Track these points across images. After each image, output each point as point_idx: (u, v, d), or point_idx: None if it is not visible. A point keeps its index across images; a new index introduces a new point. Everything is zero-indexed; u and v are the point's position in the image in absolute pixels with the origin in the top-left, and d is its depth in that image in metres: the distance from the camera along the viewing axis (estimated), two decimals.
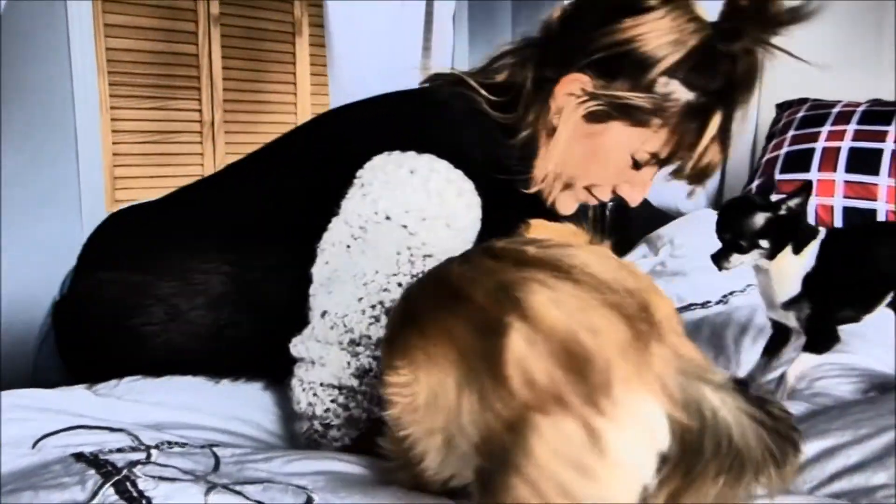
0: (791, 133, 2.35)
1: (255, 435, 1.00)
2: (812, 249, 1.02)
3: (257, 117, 2.71)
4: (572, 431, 0.50)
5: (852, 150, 2.15)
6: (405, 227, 0.89)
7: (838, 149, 2.18)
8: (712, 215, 2.40)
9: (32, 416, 0.86)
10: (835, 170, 2.15)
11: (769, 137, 2.49)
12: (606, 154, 1.03)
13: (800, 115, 2.39)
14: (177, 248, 1.06)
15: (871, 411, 0.80)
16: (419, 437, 0.61)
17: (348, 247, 0.91)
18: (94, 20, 2.31)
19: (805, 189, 1.01)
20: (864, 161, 2.12)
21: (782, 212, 1.01)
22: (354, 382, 0.86)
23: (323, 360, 0.87)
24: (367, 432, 0.86)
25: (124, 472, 0.69)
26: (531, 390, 0.52)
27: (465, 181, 0.94)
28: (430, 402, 0.59)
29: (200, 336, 1.04)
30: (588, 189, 1.08)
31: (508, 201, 0.99)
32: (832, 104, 2.36)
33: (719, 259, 1.05)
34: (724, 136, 1.04)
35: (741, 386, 0.54)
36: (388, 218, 0.89)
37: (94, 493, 0.65)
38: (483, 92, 1.04)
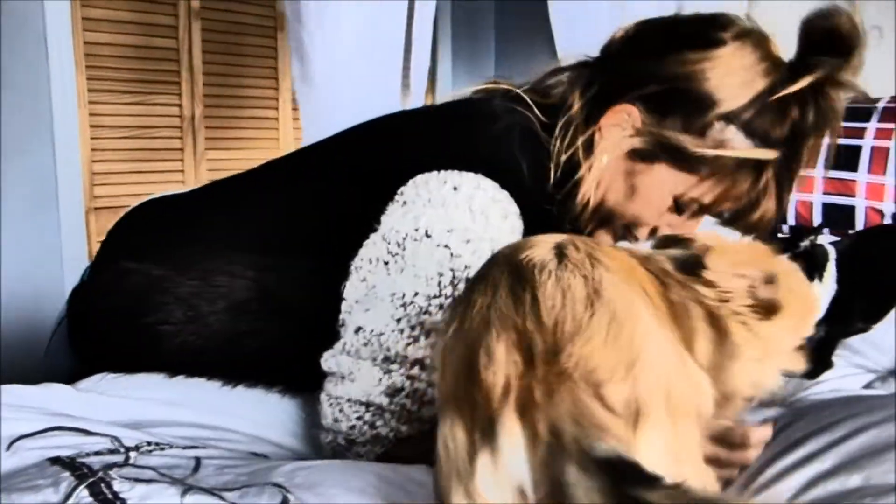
0: None
1: (241, 429, 0.98)
2: (831, 272, 0.98)
3: (238, 112, 2.69)
4: None
5: (831, 147, 2.16)
6: (447, 247, 0.85)
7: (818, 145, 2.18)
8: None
9: (12, 415, 0.84)
10: (814, 166, 2.16)
11: None
12: (647, 194, 0.97)
13: None
14: (203, 246, 1.03)
15: (844, 412, 0.81)
16: None
17: (386, 264, 0.87)
18: (72, 14, 2.29)
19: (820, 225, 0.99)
20: (842, 158, 2.13)
21: (801, 249, 0.97)
22: (384, 401, 0.83)
23: (353, 376, 0.84)
24: (392, 449, 0.84)
25: (99, 473, 0.68)
26: None
27: (510, 203, 0.90)
28: None
29: (218, 341, 1.00)
30: (627, 227, 1.02)
31: (547, 230, 0.98)
32: None
33: None
34: (781, 189, 0.98)
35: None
36: (428, 236, 0.85)
37: (68, 495, 0.64)
38: (537, 111, 0.99)
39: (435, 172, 0.90)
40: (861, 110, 2.21)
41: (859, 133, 2.15)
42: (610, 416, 0.51)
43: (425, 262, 0.85)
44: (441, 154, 0.92)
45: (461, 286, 0.84)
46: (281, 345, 0.98)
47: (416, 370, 0.83)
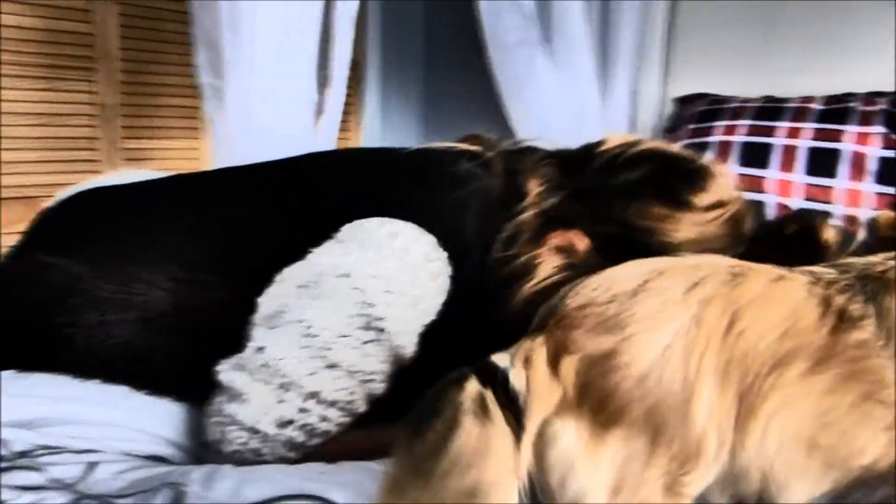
0: (689, 127, 2.42)
1: (145, 428, 0.95)
2: None
3: (157, 100, 2.61)
4: None
5: (745, 145, 2.24)
6: (364, 292, 0.83)
7: (732, 143, 2.26)
8: None
9: None
10: (728, 163, 2.23)
11: (669, 130, 2.57)
12: None
13: (698, 109, 2.47)
14: (127, 249, 0.97)
15: None
16: None
17: (303, 288, 0.84)
18: None
19: None
20: (755, 155, 2.21)
21: None
22: (272, 430, 0.81)
23: (245, 397, 0.81)
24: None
25: None
26: None
27: (445, 265, 0.88)
28: None
29: (128, 352, 0.95)
30: None
31: (477, 304, 0.93)
32: (728, 100, 2.44)
33: None
34: None
35: None
36: (347, 276, 0.83)
37: None
38: (500, 186, 0.96)
39: (375, 218, 0.89)
40: (773, 109, 2.29)
41: (771, 131, 2.22)
42: None
43: (341, 300, 0.83)
44: (392, 206, 0.90)
45: (371, 333, 0.82)
46: (193, 363, 0.93)
47: (310, 403, 0.81)
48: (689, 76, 2.71)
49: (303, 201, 0.97)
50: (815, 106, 2.24)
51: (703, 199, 0.93)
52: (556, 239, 0.95)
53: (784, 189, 2.14)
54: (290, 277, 0.86)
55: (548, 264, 0.95)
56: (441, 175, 0.95)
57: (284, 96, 2.00)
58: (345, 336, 0.82)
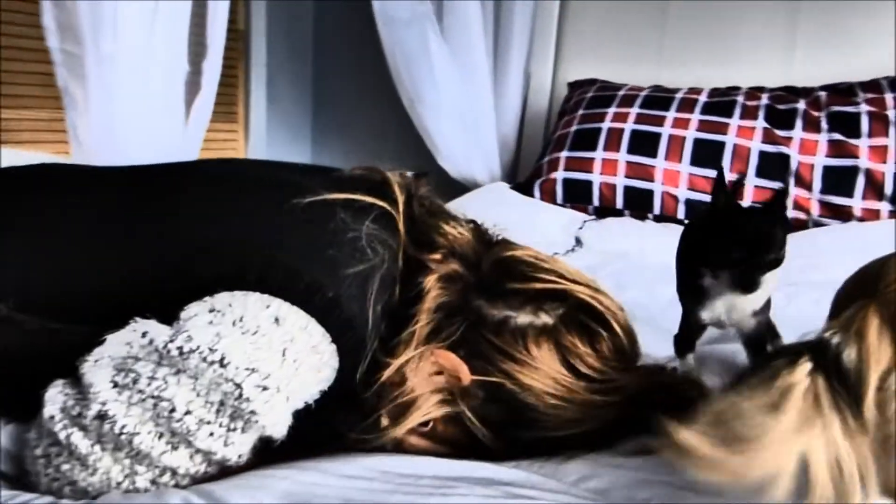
0: (580, 112, 2.42)
1: None
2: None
3: (13, 66, 2.37)
4: None
5: (634, 132, 2.25)
6: (239, 387, 0.71)
7: (622, 130, 2.27)
8: (505, 188, 2.47)
9: None
10: (618, 150, 2.25)
11: (561, 114, 2.56)
12: None
13: (589, 95, 2.47)
14: None
15: None
16: None
17: (159, 353, 0.72)
18: None
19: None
20: (644, 143, 2.23)
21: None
22: (117, 499, 0.71)
23: (91, 464, 0.70)
24: None
25: None
26: None
27: (332, 357, 0.78)
28: None
29: None
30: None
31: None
32: (619, 87, 2.46)
33: (751, 282, 0.89)
34: None
35: None
36: (223, 365, 0.71)
37: None
38: (404, 271, 0.85)
39: (258, 294, 0.76)
40: (662, 99, 2.32)
41: (659, 121, 2.25)
42: None
43: (210, 387, 0.72)
44: (284, 277, 0.77)
45: (238, 422, 0.73)
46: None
47: (166, 476, 0.72)
48: (581, 60, 2.71)
49: (171, 231, 0.85)
50: (701, 98, 2.28)
51: (600, 371, 0.84)
52: (443, 360, 0.83)
53: (671, 179, 2.17)
54: (149, 332, 0.74)
55: (428, 400, 0.83)
56: (343, 245, 0.81)
57: (152, 68, 1.81)
58: (209, 423, 0.73)
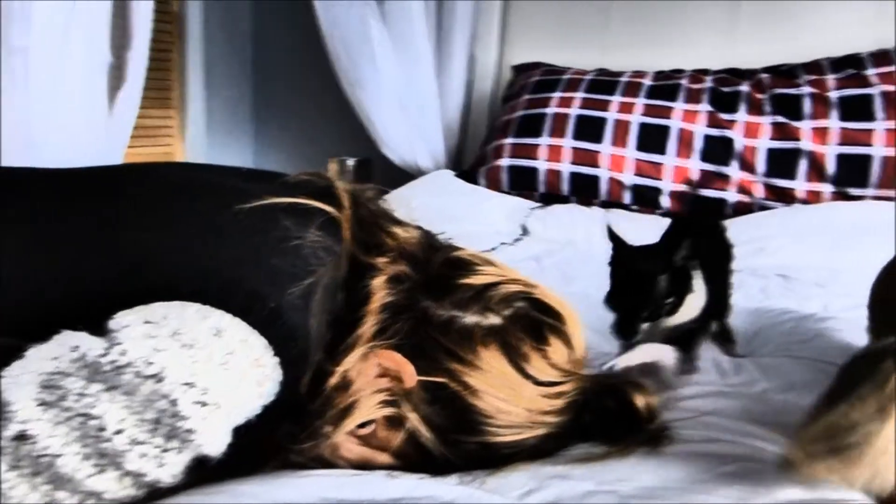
0: (525, 97, 2.38)
1: None
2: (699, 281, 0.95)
3: None
4: None
5: (579, 118, 2.22)
6: (175, 404, 0.68)
7: (567, 115, 2.24)
8: (450, 175, 2.43)
9: None
10: (564, 136, 2.22)
11: (506, 99, 2.52)
12: None
13: (534, 79, 2.44)
14: None
15: None
16: None
17: (90, 368, 0.67)
18: None
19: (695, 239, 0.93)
20: (589, 128, 2.20)
21: (677, 263, 0.91)
22: None
23: (7, 488, 0.65)
24: None
25: None
26: None
27: (275, 370, 0.73)
28: None
29: None
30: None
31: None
32: (563, 70, 2.43)
33: (630, 332, 0.92)
34: None
35: None
36: (160, 380, 0.67)
37: None
38: (348, 277, 0.81)
39: (196, 305, 0.72)
40: (607, 83, 2.29)
41: (604, 105, 2.22)
42: None
43: (145, 403, 0.67)
44: (224, 287, 0.73)
45: (175, 442, 0.68)
46: None
47: (89, 502, 0.66)
48: (526, 44, 2.67)
49: (102, 240, 0.78)
50: (646, 81, 2.26)
51: (547, 373, 0.80)
52: (386, 360, 0.80)
53: (617, 164, 2.15)
54: (80, 345, 0.68)
55: (369, 401, 0.80)
56: (286, 253, 0.77)
57: (68, 60, 1.70)
58: (142, 443, 0.68)
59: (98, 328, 0.70)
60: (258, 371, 0.72)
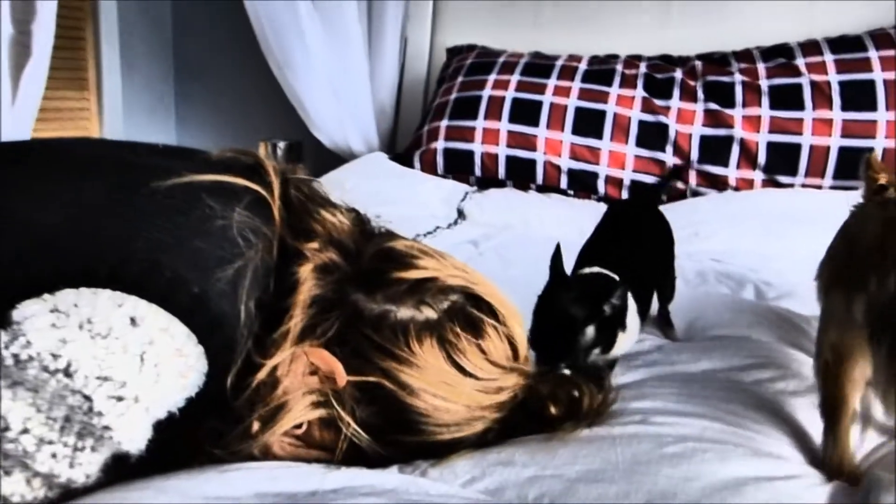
0: (460, 79, 2.35)
1: None
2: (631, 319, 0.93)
3: None
4: None
5: (515, 101, 2.20)
6: (89, 399, 0.62)
7: (503, 98, 2.22)
8: (384, 158, 2.38)
9: None
10: (500, 119, 2.20)
11: (440, 81, 2.49)
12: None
13: (468, 61, 2.41)
14: None
15: None
16: None
17: None
18: None
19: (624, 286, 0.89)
20: (525, 112, 2.18)
21: (607, 312, 0.87)
22: None
23: None
24: None
25: None
26: None
27: (199, 360, 0.68)
28: None
29: None
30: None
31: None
32: (498, 53, 2.40)
33: (575, 362, 0.88)
34: None
35: None
36: (69, 375, 0.61)
37: None
38: (277, 264, 0.75)
39: (109, 291, 0.65)
40: (542, 66, 2.28)
41: (540, 88, 2.21)
42: None
43: (53, 400, 0.60)
44: (143, 270, 0.66)
45: (90, 441, 0.62)
46: None
47: None
48: (459, 25, 2.64)
49: (3, 219, 0.70)
50: (581, 66, 2.26)
51: (486, 370, 0.76)
52: (316, 359, 0.74)
53: (553, 148, 2.14)
54: None
55: (299, 403, 0.74)
56: (211, 235, 0.71)
57: None
58: (51, 443, 0.61)
59: None
60: (180, 361, 0.67)
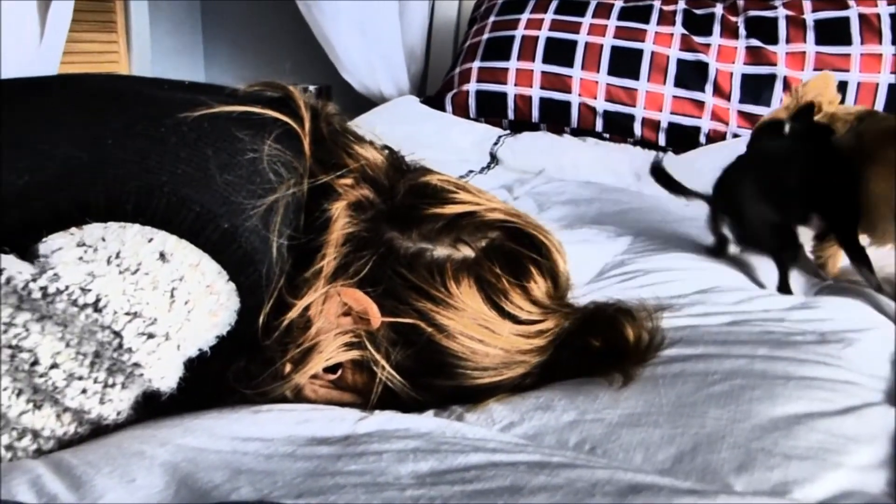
0: (492, 19, 2.29)
1: None
2: None
3: None
4: None
5: (549, 40, 2.14)
6: (118, 335, 0.60)
7: (536, 38, 2.15)
8: (415, 101, 2.34)
9: None
10: (533, 59, 2.14)
11: (471, 22, 2.42)
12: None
13: (500, 0, 2.33)
14: None
15: None
16: None
17: (19, 295, 0.59)
18: None
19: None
20: (559, 52, 2.12)
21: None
22: None
23: None
24: None
25: None
26: None
27: (231, 297, 0.67)
28: None
29: None
30: None
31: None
32: None
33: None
34: None
35: None
36: (98, 310, 0.60)
37: None
38: (310, 201, 0.73)
39: (138, 226, 0.63)
40: (577, 4, 2.20)
41: (575, 27, 2.14)
42: None
43: (83, 335, 0.59)
44: (171, 205, 0.64)
45: (120, 378, 0.62)
46: None
47: (25, 441, 0.61)
48: None
49: (28, 150, 0.68)
50: (617, 2, 2.18)
51: (527, 311, 0.73)
52: (350, 299, 0.72)
53: (588, 89, 2.08)
54: (5, 269, 0.60)
55: (331, 344, 0.72)
56: (240, 168, 0.69)
57: None
58: (81, 379, 0.60)
59: (25, 251, 0.62)
60: (211, 299, 0.65)
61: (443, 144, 1.98)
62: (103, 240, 0.62)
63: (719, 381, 0.72)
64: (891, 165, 1.00)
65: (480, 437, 0.66)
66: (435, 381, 0.73)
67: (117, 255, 0.61)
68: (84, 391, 0.61)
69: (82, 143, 0.68)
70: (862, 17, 1.91)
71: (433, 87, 2.51)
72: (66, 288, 0.59)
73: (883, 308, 1.00)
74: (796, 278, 1.11)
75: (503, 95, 2.15)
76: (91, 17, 2.52)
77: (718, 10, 2.08)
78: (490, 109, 2.19)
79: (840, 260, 1.18)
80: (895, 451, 0.64)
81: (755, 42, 1.99)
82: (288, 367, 0.72)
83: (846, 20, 1.92)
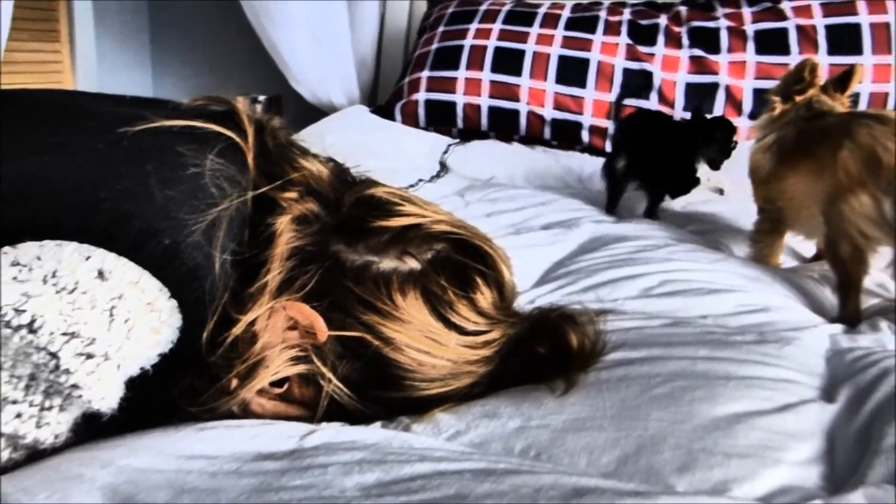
0: (441, 29, 2.30)
1: None
2: None
3: None
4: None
5: (497, 50, 2.16)
6: (55, 357, 0.59)
7: (485, 47, 2.17)
8: (365, 111, 2.33)
9: None
10: (482, 69, 2.15)
11: (421, 32, 2.43)
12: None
13: (450, 10, 2.35)
14: None
15: None
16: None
17: None
18: None
19: None
20: (508, 61, 2.14)
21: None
22: None
23: None
24: None
25: None
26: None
27: (173, 314, 0.65)
28: None
29: None
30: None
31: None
32: (480, 1, 2.35)
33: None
34: None
35: None
36: (33, 330, 0.58)
37: None
38: (253, 215, 0.72)
39: (75, 244, 0.62)
40: (525, 14, 2.23)
41: (523, 37, 2.16)
42: None
43: (17, 357, 0.57)
44: (113, 221, 0.63)
45: (58, 400, 0.60)
46: None
47: None
48: None
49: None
50: (564, 13, 2.21)
51: (473, 322, 0.74)
52: (296, 313, 0.71)
53: (536, 98, 2.10)
54: None
55: (278, 358, 0.71)
56: (182, 183, 0.68)
57: None
58: (15, 402, 0.59)
59: None
60: (153, 316, 0.64)
61: (393, 153, 1.98)
62: (38, 258, 0.60)
63: (662, 383, 0.73)
64: (821, 161, 1.09)
65: (427, 447, 0.66)
66: (382, 393, 0.72)
67: (53, 274, 0.60)
68: (19, 415, 0.59)
69: (19, 161, 0.66)
70: (800, 28, 1.97)
71: (383, 97, 2.51)
72: (1, 311, 0.57)
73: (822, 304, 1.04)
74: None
75: (452, 105, 2.17)
76: (32, 26, 2.46)
77: (663, 20, 2.12)
78: (439, 118, 2.20)
79: (781, 253, 1.27)
80: (830, 446, 0.66)
81: (698, 52, 2.03)
82: (234, 383, 0.71)
83: (784, 31, 1.98)
